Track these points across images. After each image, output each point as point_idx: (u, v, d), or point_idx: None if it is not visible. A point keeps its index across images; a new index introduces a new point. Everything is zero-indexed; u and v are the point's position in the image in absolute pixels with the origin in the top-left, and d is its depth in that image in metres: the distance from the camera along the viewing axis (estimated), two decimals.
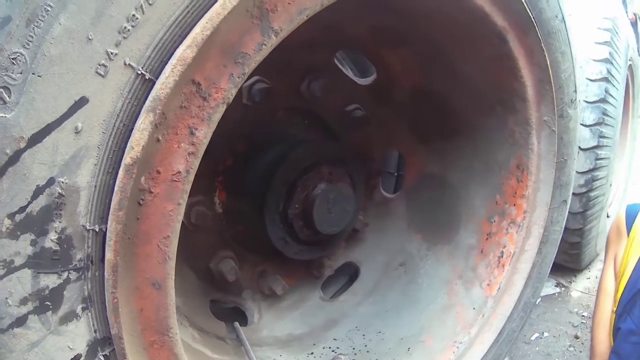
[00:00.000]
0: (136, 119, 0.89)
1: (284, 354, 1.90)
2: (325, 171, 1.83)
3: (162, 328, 1.03)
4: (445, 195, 2.13)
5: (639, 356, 1.90)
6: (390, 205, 2.30)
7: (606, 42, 3.18)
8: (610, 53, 3.16)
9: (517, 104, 1.73)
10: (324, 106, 1.98)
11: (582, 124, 3.06)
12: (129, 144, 0.88)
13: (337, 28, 1.75)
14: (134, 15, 0.85)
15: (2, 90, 0.77)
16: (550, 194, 1.88)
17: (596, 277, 3.87)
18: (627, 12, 4.18)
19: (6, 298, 0.84)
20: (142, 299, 0.99)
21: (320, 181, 1.81)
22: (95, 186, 0.89)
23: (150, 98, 0.88)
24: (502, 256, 1.92)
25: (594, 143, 3.14)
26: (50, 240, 0.86)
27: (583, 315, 3.48)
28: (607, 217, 3.98)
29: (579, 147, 3.03)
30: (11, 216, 0.81)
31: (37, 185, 0.83)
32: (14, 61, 0.77)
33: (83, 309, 0.93)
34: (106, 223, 0.91)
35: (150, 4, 0.86)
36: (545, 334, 3.26)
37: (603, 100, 3.12)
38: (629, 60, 3.70)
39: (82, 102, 0.83)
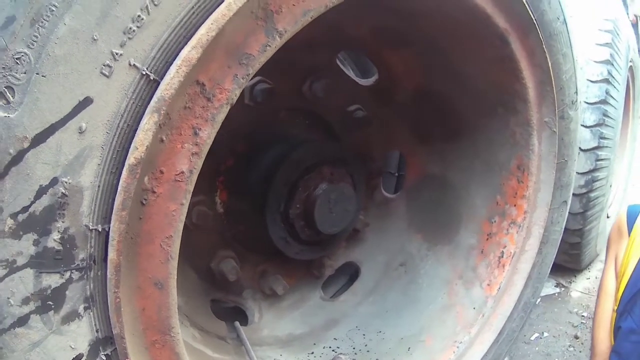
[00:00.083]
0: (140, 120, 0.89)
1: (285, 354, 1.90)
2: (326, 171, 1.83)
3: (164, 328, 1.03)
4: (445, 196, 2.13)
5: (639, 355, 1.91)
6: (391, 205, 2.31)
7: (607, 43, 3.17)
8: (611, 54, 3.16)
9: (519, 105, 1.74)
10: (326, 107, 1.99)
11: (582, 125, 3.06)
12: (132, 144, 0.88)
13: (339, 29, 1.75)
14: (139, 16, 0.85)
15: (5, 90, 0.77)
16: (550, 195, 1.88)
17: (596, 278, 3.88)
18: (627, 14, 4.18)
19: (8, 298, 0.84)
20: (144, 298, 0.99)
21: (321, 181, 1.81)
22: (99, 186, 0.89)
23: (154, 98, 0.88)
24: (502, 256, 1.93)
25: (594, 144, 3.14)
26: (52, 240, 0.86)
27: (583, 316, 3.48)
28: (607, 217, 3.98)
29: (580, 148, 3.03)
30: (14, 216, 0.81)
31: (40, 185, 0.82)
32: (18, 61, 0.77)
33: (85, 309, 0.93)
34: (109, 223, 0.91)
35: (155, 5, 0.86)
36: (545, 334, 3.26)
37: (604, 102, 3.11)
38: (630, 61, 3.70)
39: (86, 102, 0.83)
